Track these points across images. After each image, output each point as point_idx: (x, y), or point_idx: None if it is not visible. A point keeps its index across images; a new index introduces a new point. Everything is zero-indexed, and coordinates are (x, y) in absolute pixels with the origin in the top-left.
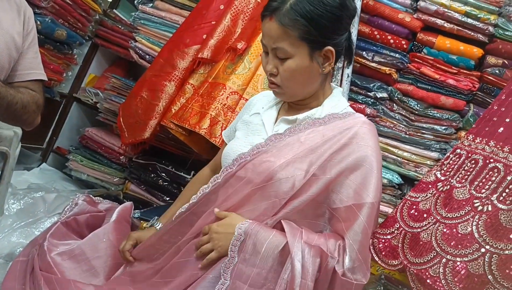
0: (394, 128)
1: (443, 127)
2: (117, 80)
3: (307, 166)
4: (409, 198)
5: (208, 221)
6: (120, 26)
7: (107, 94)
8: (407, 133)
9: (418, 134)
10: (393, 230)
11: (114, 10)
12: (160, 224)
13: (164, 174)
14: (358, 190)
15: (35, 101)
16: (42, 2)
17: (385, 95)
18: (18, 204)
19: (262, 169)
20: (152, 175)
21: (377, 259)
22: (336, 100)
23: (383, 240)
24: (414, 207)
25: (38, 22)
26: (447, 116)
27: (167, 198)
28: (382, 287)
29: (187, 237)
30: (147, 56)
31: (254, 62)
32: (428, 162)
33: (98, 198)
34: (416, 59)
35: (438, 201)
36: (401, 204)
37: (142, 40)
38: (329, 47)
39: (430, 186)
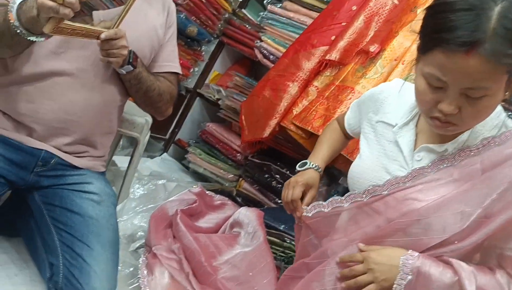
0: None
1: None
2: (240, 78)
3: (468, 208)
4: None
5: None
6: (247, 26)
7: (229, 91)
8: None
9: None
10: None
11: (243, 9)
12: (317, 166)
13: (278, 176)
14: None
15: (170, 92)
16: None
17: None
18: (142, 189)
19: (407, 209)
20: (266, 175)
21: None
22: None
23: None
24: None
25: None
26: None
27: (279, 201)
28: None
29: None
30: (271, 56)
31: (387, 67)
32: None
33: (211, 192)
34: None
35: None
36: None
37: (268, 40)
38: None
39: None
